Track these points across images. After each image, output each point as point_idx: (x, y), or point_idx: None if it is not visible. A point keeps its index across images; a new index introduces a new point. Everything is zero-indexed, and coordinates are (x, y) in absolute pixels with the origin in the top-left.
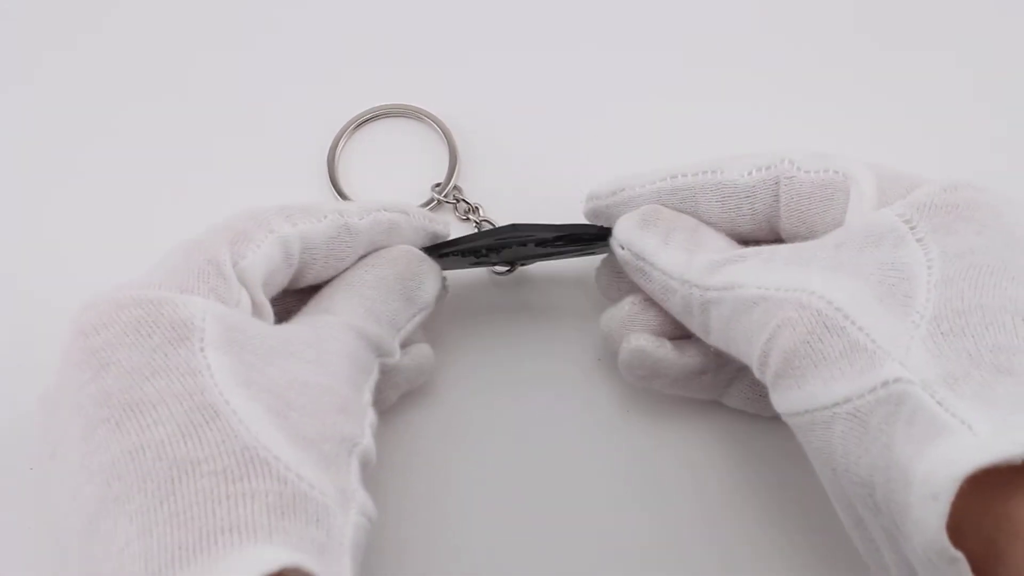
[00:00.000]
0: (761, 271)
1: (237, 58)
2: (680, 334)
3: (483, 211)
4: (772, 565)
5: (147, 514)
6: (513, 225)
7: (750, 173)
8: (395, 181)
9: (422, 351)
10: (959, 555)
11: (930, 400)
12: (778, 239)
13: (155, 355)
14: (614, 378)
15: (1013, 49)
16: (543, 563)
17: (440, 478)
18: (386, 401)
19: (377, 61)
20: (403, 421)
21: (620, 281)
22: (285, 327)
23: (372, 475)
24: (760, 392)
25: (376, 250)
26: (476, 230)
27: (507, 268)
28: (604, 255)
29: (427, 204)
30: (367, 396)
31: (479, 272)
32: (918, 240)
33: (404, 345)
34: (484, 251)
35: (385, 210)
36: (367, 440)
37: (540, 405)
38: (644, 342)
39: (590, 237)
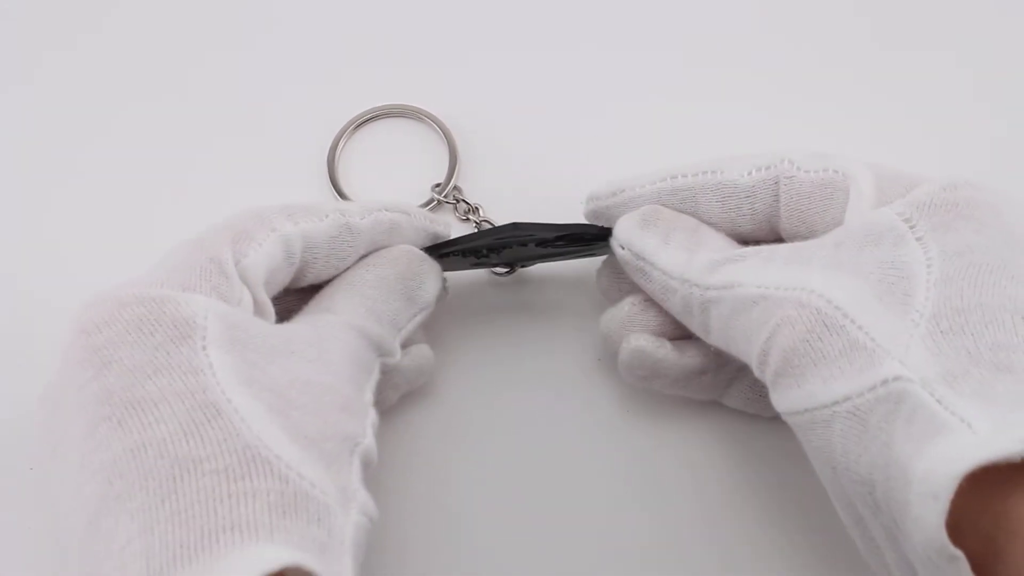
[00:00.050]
0: (761, 270)
1: (237, 58)
2: (680, 335)
3: (483, 211)
4: (772, 565)
5: (148, 512)
6: (514, 224)
7: (750, 173)
8: (395, 181)
9: (422, 352)
10: (959, 553)
11: (929, 398)
12: (778, 239)
13: (157, 353)
14: (614, 378)
15: (1013, 49)
16: (543, 563)
17: (440, 478)
18: (386, 402)
19: (377, 61)
20: (403, 421)
21: (621, 282)
22: (287, 326)
23: (372, 475)
24: (760, 392)
25: (377, 250)
26: (476, 230)
27: (507, 269)
28: (604, 256)
29: (427, 204)
30: (368, 395)
31: (479, 272)
32: (917, 239)
33: (404, 345)
34: (485, 251)
35: (386, 210)
36: (369, 439)
37: (540, 405)
38: (644, 342)
39: (591, 237)
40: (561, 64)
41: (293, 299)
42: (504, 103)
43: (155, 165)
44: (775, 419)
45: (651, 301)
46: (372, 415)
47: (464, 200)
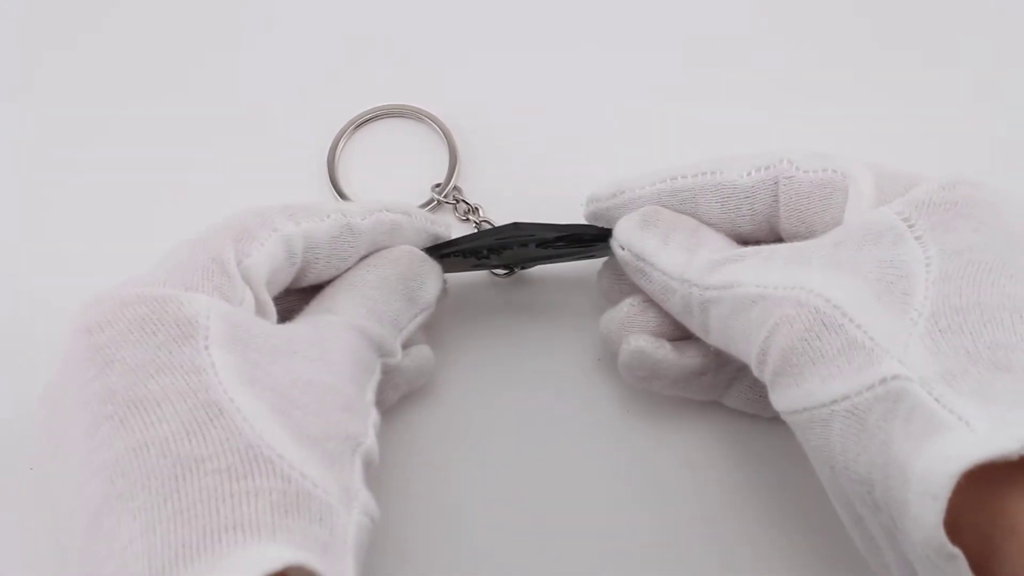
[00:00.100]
0: (760, 270)
1: (237, 58)
2: (679, 335)
3: (483, 211)
4: (772, 565)
5: (151, 511)
6: (514, 224)
7: (749, 173)
8: (395, 181)
9: (422, 352)
10: (957, 552)
11: (928, 397)
12: (778, 239)
13: (159, 352)
14: (614, 378)
15: (1013, 49)
16: (543, 563)
17: (440, 478)
18: (386, 402)
19: (377, 61)
20: (403, 421)
21: (622, 284)
22: (288, 326)
23: (372, 475)
24: (760, 393)
25: (378, 250)
26: (476, 230)
27: (506, 271)
28: (605, 258)
29: (427, 204)
30: (370, 395)
31: (479, 273)
32: (916, 238)
33: (405, 346)
34: (485, 252)
35: (387, 211)
36: (370, 439)
37: (540, 405)
38: (643, 343)
39: (591, 238)
40: (561, 64)
41: (294, 299)
42: (504, 103)
43: (155, 165)
44: (775, 419)
45: (651, 302)
46: (374, 415)
47: (464, 200)
